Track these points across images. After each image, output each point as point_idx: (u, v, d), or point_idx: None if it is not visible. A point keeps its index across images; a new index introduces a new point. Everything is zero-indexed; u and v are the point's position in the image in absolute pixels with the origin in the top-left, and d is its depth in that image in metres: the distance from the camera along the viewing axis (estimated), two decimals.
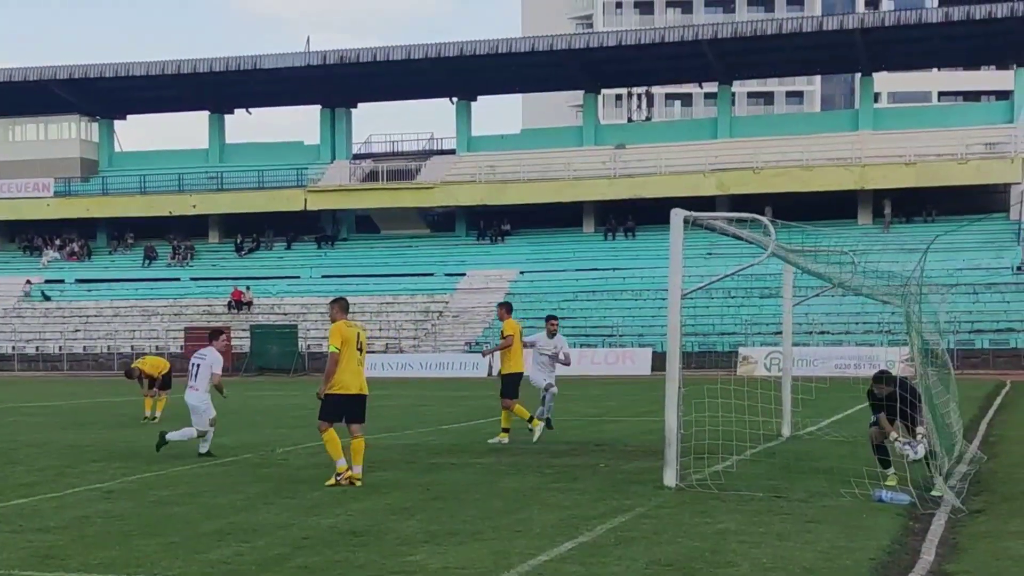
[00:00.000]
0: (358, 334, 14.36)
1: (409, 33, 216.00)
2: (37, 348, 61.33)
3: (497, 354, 19.78)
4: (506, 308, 19.88)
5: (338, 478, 13.86)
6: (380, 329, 58.63)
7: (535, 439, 18.56)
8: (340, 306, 14.66)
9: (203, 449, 17.16)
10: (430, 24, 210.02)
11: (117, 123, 76.75)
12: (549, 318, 20.31)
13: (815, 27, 62.39)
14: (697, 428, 15.19)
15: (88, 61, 71.35)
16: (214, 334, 18.36)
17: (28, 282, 67.92)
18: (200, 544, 10.35)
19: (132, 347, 57.28)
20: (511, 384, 19.06)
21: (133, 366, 25.71)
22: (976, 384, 36.28)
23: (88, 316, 63.87)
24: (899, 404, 13.02)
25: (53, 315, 64.61)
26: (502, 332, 19.51)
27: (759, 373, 42.58)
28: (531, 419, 18.91)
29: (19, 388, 43.55)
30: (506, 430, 18.99)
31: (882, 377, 13.57)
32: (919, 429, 13.19)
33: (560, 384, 20.46)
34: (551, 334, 19.83)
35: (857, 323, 50.83)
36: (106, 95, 73.01)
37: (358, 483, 13.85)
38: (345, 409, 14.07)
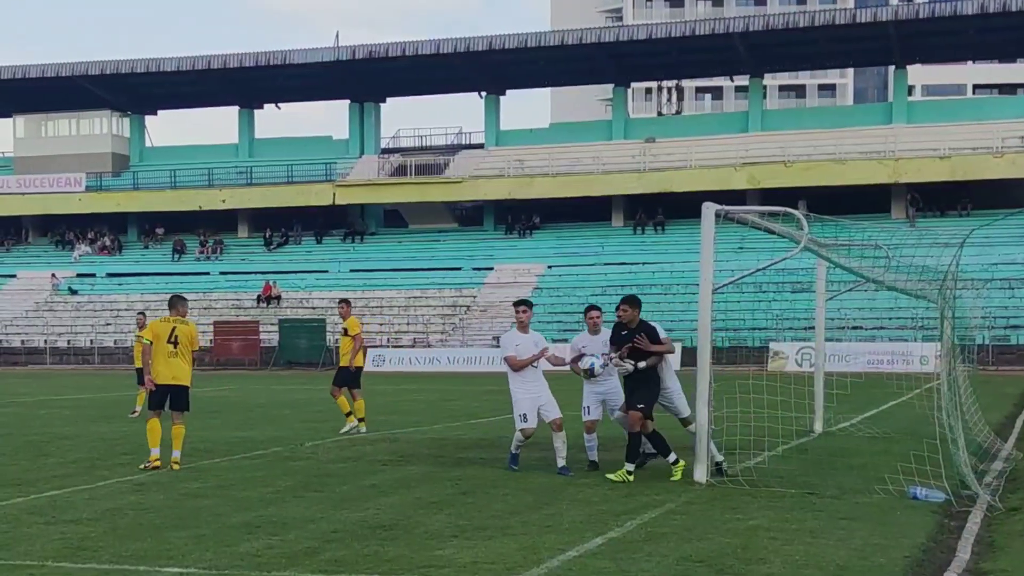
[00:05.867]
0: (173, 328, 15.18)
1: (438, 27, 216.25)
2: (68, 342, 61.71)
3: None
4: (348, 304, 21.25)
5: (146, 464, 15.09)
6: (408, 323, 58.70)
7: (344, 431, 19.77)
8: (169, 303, 15.75)
9: None
10: (459, 18, 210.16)
11: (148, 118, 77.14)
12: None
13: (848, 19, 61.94)
14: (728, 423, 15.08)
15: (119, 57, 71.74)
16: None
17: (53, 276, 68.36)
18: (230, 537, 10.35)
19: None
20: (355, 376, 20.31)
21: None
22: (1012, 380, 35.96)
23: (119, 310, 64.21)
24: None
25: (84, 309, 64.99)
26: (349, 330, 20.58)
27: (790, 368, 42.37)
28: (348, 414, 20.20)
29: (50, 381, 43.85)
30: (361, 419, 20.28)
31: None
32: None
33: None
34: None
35: (891, 318, 50.45)
36: (137, 91, 73.38)
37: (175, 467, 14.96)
38: (163, 397, 15.25)
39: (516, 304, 14.90)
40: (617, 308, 14.03)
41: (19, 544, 10.13)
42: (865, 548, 9.75)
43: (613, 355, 13.83)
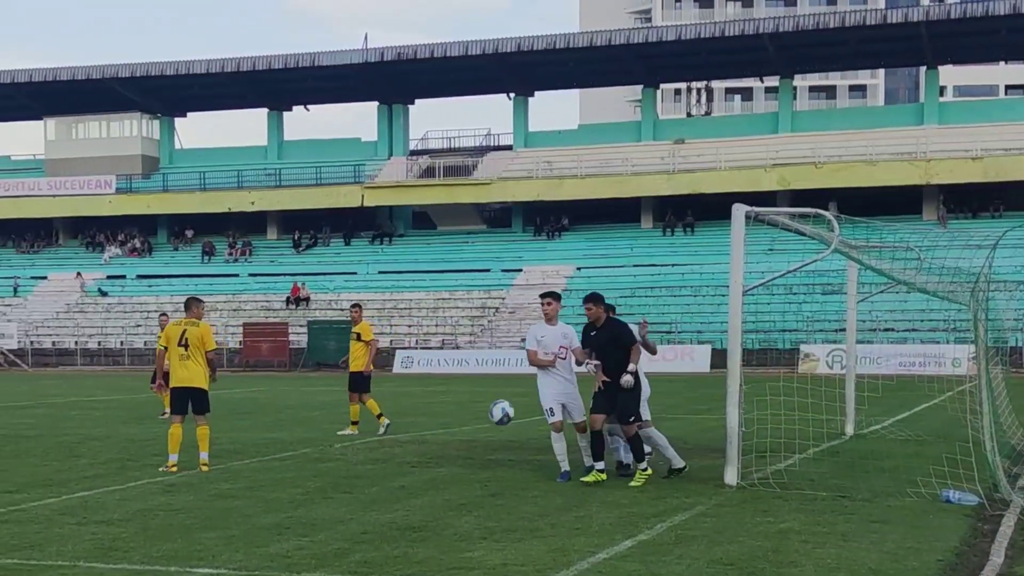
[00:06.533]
0: (184, 331, 15.25)
1: (466, 29, 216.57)
2: (99, 343, 62.06)
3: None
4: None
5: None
6: (436, 325, 58.74)
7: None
8: (185, 305, 15.86)
9: None
10: (487, 20, 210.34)
11: (178, 120, 77.51)
12: (545, 295, 14.51)
13: (879, 20, 61.57)
14: (759, 426, 15.01)
15: (149, 59, 72.09)
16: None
17: (79, 275, 68.82)
18: (260, 538, 10.37)
19: None
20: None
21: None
22: None
23: (149, 311, 64.52)
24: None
25: (114, 310, 65.35)
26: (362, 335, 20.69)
27: (821, 371, 42.14)
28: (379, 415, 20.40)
29: (81, 382, 44.13)
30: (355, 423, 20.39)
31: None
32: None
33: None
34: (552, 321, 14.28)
35: (923, 320, 50.13)
36: (167, 93, 73.76)
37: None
38: (183, 401, 15.37)
39: (541, 296, 14.48)
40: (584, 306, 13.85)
41: (51, 544, 10.19)
42: (898, 552, 9.68)
43: (595, 369, 13.58)
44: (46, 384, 42.47)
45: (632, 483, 13.54)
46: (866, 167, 60.29)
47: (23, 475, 14.93)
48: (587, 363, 13.70)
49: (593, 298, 13.77)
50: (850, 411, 19.18)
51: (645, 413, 14.11)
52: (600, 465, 13.63)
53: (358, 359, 20.57)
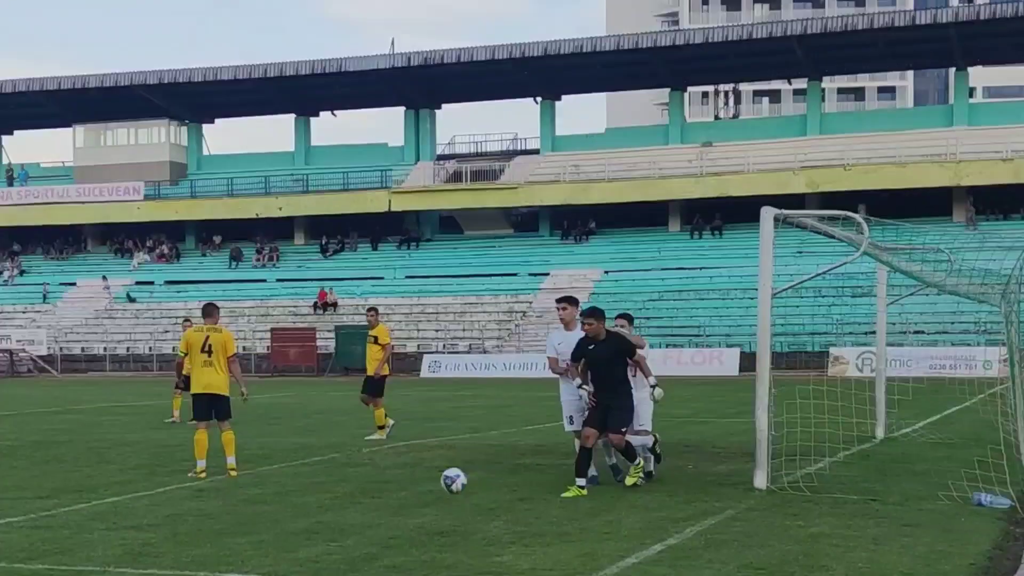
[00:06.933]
0: (207, 337, 15.17)
1: (493, 33, 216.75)
2: (128, 349, 62.37)
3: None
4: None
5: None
6: (464, 329, 58.77)
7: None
8: (203, 311, 15.69)
9: None
10: (514, 24, 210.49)
11: (205, 127, 77.86)
12: (561, 299, 14.45)
13: (907, 21, 61.25)
14: (788, 429, 14.93)
15: (177, 66, 72.50)
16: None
17: (104, 277, 69.21)
18: (289, 543, 10.39)
19: None
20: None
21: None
22: None
23: (177, 317, 64.77)
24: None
25: (143, 316, 65.69)
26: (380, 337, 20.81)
27: (851, 374, 41.95)
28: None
29: (111, 388, 44.35)
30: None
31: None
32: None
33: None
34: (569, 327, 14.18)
35: (953, 323, 49.80)
36: (194, 99, 74.09)
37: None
38: (207, 407, 15.27)
39: (557, 301, 14.26)
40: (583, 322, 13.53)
41: (81, 549, 10.24)
42: (929, 555, 9.61)
43: (588, 395, 13.39)
44: (76, 390, 42.72)
45: (627, 480, 13.52)
46: (895, 169, 59.95)
47: (54, 480, 15.01)
48: (581, 387, 13.46)
49: (593, 313, 13.44)
50: (880, 414, 19.06)
51: (647, 420, 14.10)
52: (581, 482, 13.17)
53: (374, 363, 20.62)
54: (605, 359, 13.32)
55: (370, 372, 20.68)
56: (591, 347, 13.36)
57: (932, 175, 59.66)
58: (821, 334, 51.26)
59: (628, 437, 13.58)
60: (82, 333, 64.61)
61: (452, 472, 13.01)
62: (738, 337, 51.61)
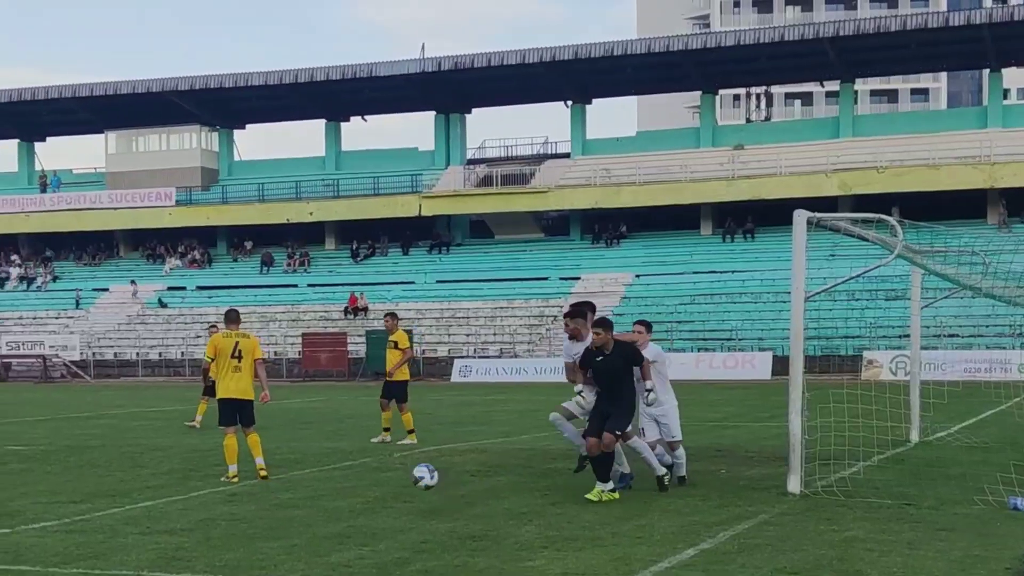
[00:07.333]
0: (236, 343, 15.24)
1: (523, 37, 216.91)
2: (160, 354, 62.72)
3: None
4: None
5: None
6: (494, 333, 58.77)
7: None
8: (227, 317, 15.80)
9: None
10: (544, 27, 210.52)
11: (236, 132, 78.21)
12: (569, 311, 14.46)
13: (941, 22, 60.83)
14: (822, 433, 14.84)
15: (208, 72, 72.84)
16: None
17: (132, 282, 69.62)
18: (321, 547, 10.40)
19: None
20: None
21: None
22: None
23: (208, 322, 65.08)
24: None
25: (175, 321, 66.04)
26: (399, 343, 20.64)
27: (885, 377, 41.65)
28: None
29: (143, 393, 44.61)
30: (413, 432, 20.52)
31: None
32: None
33: (677, 388, 15.02)
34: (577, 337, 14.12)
35: (988, 326, 49.41)
36: (225, 105, 74.47)
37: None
38: (233, 412, 15.37)
39: (564, 315, 14.26)
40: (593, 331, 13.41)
41: (115, 554, 10.28)
42: (964, 560, 9.52)
43: (585, 394, 13.34)
44: (108, 395, 42.98)
45: (589, 495, 12.97)
46: (929, 171, 59.55)
47: (88, 485, 15.10)
48: (582, 392, 13.39)
49: (602, 323, 13.38)
50: (915, 418, 18.92)
51: (677, 431, 14.07)
52: (603, 486, 13.03)
53: (393, 366, 20.57)
54: (612, 370, 13.25)
55: (388, 375, 20.67)
56: (599, 358, 13.30)
57: (966, 177, 59.22)
58: (854, 337, 50.96)
59: (631, 443, 13.54)
60: (114, 338, 64.99)
61: (419, 471, 13.05)
62: (770, 341, 51.39)
